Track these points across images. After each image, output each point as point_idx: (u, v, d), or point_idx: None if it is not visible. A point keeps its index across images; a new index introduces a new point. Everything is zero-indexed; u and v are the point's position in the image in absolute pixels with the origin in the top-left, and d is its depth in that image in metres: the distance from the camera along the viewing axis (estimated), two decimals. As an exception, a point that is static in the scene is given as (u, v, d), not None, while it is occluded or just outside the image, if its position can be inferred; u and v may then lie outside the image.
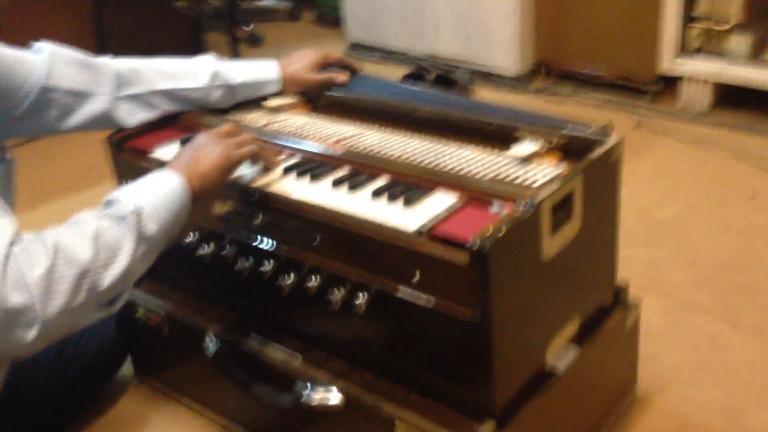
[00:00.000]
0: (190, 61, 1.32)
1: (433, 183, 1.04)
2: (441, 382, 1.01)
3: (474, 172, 1.07)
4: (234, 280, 1.17)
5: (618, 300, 1.22)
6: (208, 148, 1.06)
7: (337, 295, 1.03)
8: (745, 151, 2.22)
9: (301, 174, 1.11)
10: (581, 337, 1.13)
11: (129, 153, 1.27)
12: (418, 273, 0.95)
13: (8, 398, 1.17)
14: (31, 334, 0.83)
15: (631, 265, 1.71)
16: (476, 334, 0.93)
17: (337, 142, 1.20)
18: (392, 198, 1.01)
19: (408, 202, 0.99)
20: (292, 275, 1.09)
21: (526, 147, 1.11)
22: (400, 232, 0.95)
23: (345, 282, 1.03)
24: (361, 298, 1.01)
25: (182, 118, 1.32)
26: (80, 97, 1.22)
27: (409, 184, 1.05)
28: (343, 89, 1.38)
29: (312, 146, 1.18)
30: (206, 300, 1.29)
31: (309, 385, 1.09)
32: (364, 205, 1.01)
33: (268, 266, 1.11)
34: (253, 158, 1.11)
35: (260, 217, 1.11)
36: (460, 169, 1.07)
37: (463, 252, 0.89)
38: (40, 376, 1.27)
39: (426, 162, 1.11)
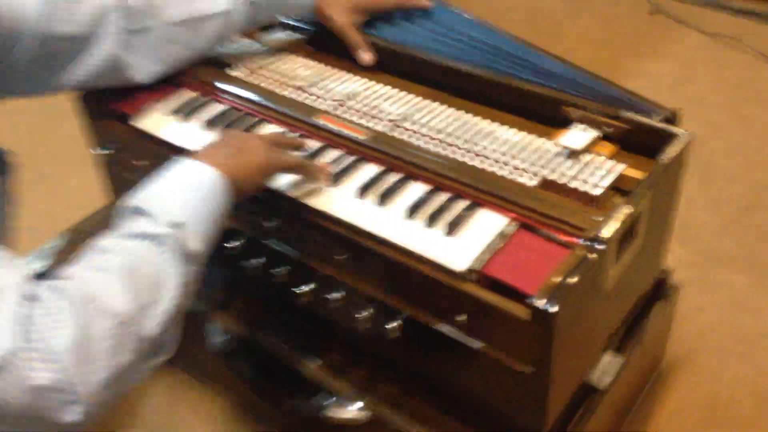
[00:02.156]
0: None
1: (478, 195, 0.89)
2: (480, 412, 0.93)
3: (519, 167, 0.92)
4: (245, 277, 1.03)
5: (660, 289, 1.13)
6: (251, 143, 0.87)
7: (365, 316, 0.92)
8: (772, 51, 2.05)
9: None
10: (624, 342, 1.04)
11: (109, 113, 1.07)
12: (463, 314, 0.83)
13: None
14: (74, 414, 0.63)
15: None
16: (529, 383, 0.83)
17: (355, 123, 1.02)
18: (432, 220, 0.86)
19: (451, 228, 0.85)
20: (309, 285, 0.96)
21: (578, 137, 0.96)
22: (446, 269, 0.82)
23: (374, 305, 0.91)
24: (393, 325, 0.90)
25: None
26: (83, 42, 0.97)
27: (449, 195, 0.90)
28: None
29: (328, 125, 1.01)
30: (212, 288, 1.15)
31: (332, 398, 1.00)
32: (399, 226, 0.86)
33: (281, 270, 0.98)
34: (297, 170, 0.92)
35: (274, 220, 0.96)
36: (503, 163, 0.93)
37: (524, 306, 0.77)
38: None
39: (463, 146, 0.96)
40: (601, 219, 0.83)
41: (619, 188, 0.91)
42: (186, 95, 1.08)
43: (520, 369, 0.81)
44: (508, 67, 1.08)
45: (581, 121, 0.98)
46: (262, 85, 1.10)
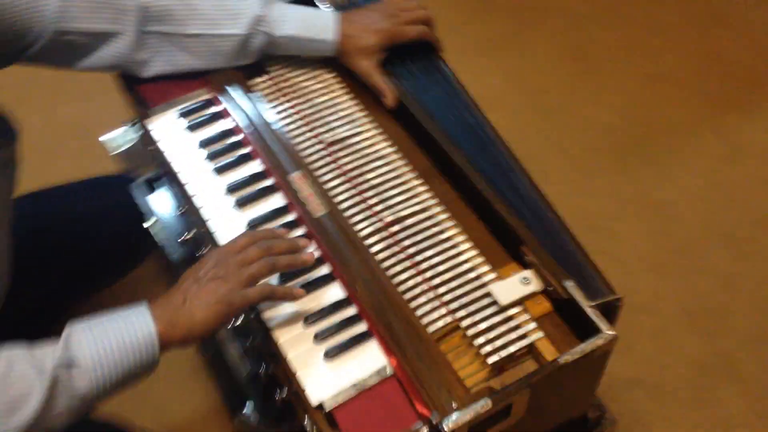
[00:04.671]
0: (233, 1, 1.11)
1: (376, 324, 0.92)
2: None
3: (443, 300, 0.93)
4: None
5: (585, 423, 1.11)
6: (210, 288, 0.87)
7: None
8: None
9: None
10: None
11: (137, 96, 1.16)
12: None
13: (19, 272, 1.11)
14: None
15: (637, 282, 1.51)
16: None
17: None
18: (320, 337, 0.91)
19: (331, 353, 0.90)
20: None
21: (514, 288, 0.93)
22: (306, 395, 0.89)
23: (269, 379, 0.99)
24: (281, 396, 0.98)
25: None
26: (99, 37, 1.06)
27: (355, 311, 0.93)
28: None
29: (297, 188, 1.04)
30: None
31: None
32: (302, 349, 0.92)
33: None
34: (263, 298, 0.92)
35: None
36: (431, 289, 0.94)
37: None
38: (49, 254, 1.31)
39: (409, 249, 0.97)
40: (455, 406, 0.85)
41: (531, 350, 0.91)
42: (202, 97, 1.14)
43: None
44: (490, 170, 1.04)
45: (531, 266, 0.95)
46: (274, 107, 1.13)
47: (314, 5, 1.22)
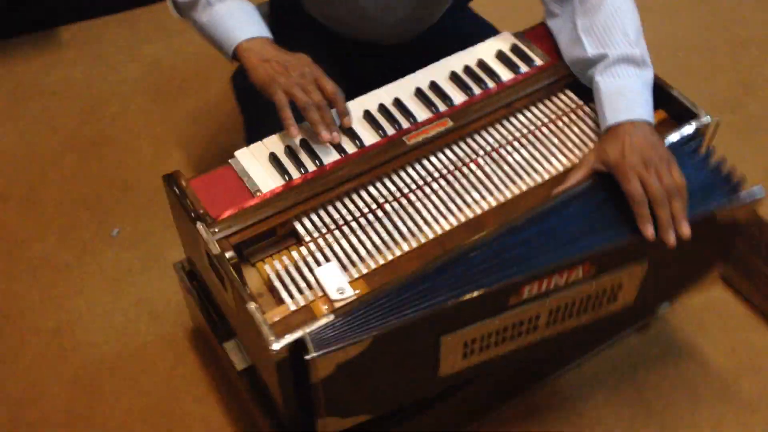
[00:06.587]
0: (634, 24, 1.17)
1: (302, 182, 1.11)
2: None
3: (324, 234, 1.06)
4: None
5: None
6: (278, 70, 1.16)
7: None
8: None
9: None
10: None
11: (530, 29, 1.35)
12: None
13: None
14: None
15: None
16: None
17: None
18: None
19: (271, 157, 1.15)
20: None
21: (331, 280, 1.01)
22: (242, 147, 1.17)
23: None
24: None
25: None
26: None
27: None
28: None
29: (420, 131, 1.18)
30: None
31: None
32: (276, 139, 1.18)
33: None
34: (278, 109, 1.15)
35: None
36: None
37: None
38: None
39: (371, 206, 1.10)
40: (216, 230, 1.04)
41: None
42: (540, 62, 1.27)
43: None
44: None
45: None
46: (538, 109, 1.22)
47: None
